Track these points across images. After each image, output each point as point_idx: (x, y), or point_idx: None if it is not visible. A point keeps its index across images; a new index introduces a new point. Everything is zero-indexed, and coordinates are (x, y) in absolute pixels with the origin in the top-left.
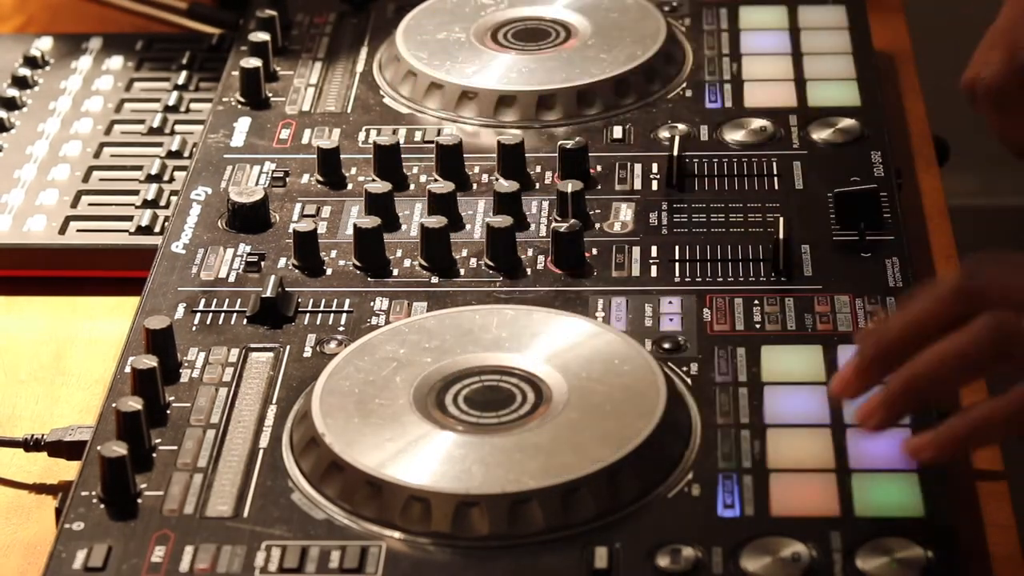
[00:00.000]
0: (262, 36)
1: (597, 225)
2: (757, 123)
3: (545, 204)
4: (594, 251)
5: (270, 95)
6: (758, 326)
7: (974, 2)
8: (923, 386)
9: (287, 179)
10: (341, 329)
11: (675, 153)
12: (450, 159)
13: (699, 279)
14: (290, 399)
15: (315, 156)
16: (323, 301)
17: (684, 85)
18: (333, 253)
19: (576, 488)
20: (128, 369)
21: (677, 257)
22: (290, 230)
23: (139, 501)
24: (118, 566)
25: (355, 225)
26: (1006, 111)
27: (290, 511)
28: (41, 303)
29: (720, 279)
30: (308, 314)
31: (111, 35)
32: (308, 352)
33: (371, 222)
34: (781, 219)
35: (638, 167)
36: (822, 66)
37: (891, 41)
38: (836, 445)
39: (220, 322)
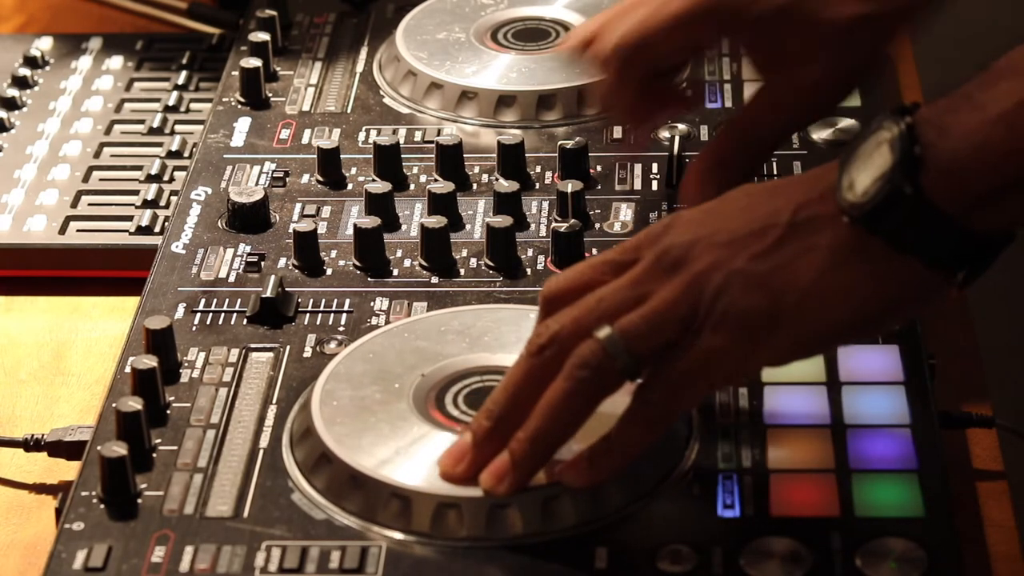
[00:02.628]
0: (262, 36)
1: (597, 225)
2: None
3: (545, 204)
4: (594, 251)
5: (270, 95)
6: None
7: (975, 2)
8: (547, 440)
9: (287, 179)
10: (341, 329)
11: (675, 153)
12: (450, 159)
13: None
14: (290, 399)
15: (315, 156)
16: (323, 301)
17: (684, 85)
18: (333, 253)
19: (577, 489)
20: (128, 369)
21: None
22: (290, 230)
23: (139, 501)
24: (118, 566)
25: (355, 225)
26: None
27: (290, 511)
28: (41, 303)
29: None
30: (308, 314)
31: (111, 35)
32: (308, 352)
33: (371, 222)
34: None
35: (638, 167)
36: None
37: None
38: (836, 445)
39: (220, 322)
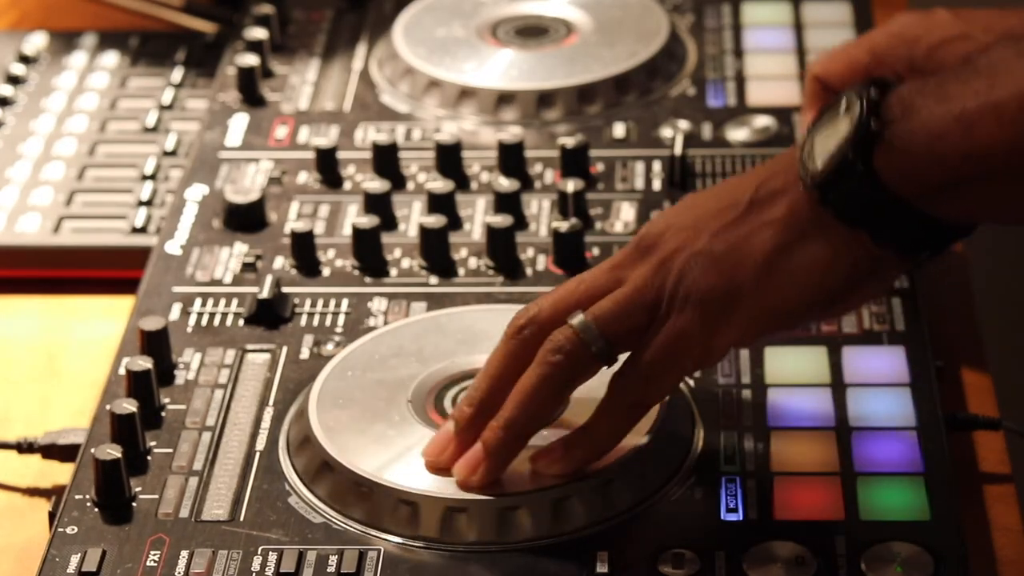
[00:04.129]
0: (259, 33)
1: (598, 224)
2: (760, 121)
3: (546, 203)
4: (595, 251)
5: (267, 93)
6: None
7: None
8: (520, 427)
9: (284, 178)
10: (339, 330)
11: (677, 152)
12: (449, 158)
13: None
14: (287, 401)
15: (312, 155)
16: (320, 302)
17: (687, 82)
18: (331, 253)
19: (577, 492)
20: (123, 371)
21: None
22: (287, 230)
23: (134, 504)
24: (112, 570)
25: (353, 225)
26: None
27: (287, 515)
28: (35, 304)
29: None
30: (305, 315)
31: (106, 32)
32: (305, 353)
33: (369, 222)
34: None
35: (640, 166)
36: None
37: None
38: (840, 448)
39: (216, 323)
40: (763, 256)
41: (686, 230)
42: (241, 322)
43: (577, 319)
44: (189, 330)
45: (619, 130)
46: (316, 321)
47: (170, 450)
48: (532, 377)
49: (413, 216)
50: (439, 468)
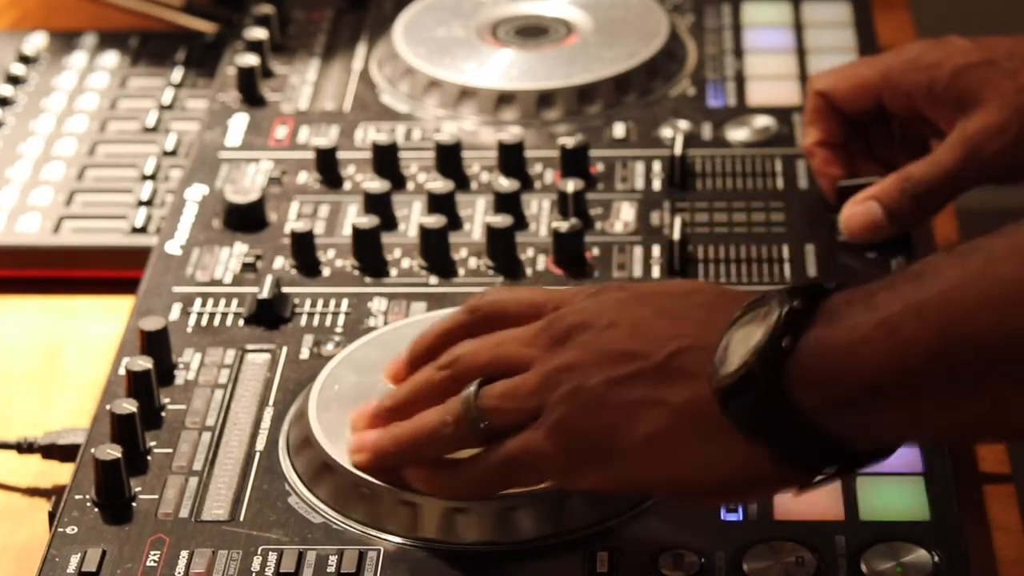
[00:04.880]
0: (259, 33)
1: (598, 225)
2: (760, 121)
3: (545, 203)
4: (595, 251)
5: (267, 93)
6: None
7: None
8: (404, 451)
9: (284, 178)
10: (339, 330)
11: (677, 152)
12: (449, 158)
13: (701, 279)
14: (287, 401)
15: (312, 155)
16: (320, 302)
17: (687, 83)
18: (331, 253)
19: (577, 492)
20: (123, 371)
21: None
22: (287, 230)
23: (134, 504)
24: (112, 570)
25: (353, 225)
26: None
27: (287, 515)
28: (35, 304)
29: (723, 279)
30: (305, 315)
31: (106, 32)
32: (305, 354)
33: (369, 222)
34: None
35: (640, 166)
36: (826, 63)
37: (896, 38)
38: None
39: (216, 323)
40: (645, 434)
41: (591, 350)
42: (241, 322)
43: (472, 397)
44: (189, 330)
45: (619, 130)
46: (316, 321)
47: (170, 450)
48: (427, 422)
49: (413, 216)
50: (352, 432)
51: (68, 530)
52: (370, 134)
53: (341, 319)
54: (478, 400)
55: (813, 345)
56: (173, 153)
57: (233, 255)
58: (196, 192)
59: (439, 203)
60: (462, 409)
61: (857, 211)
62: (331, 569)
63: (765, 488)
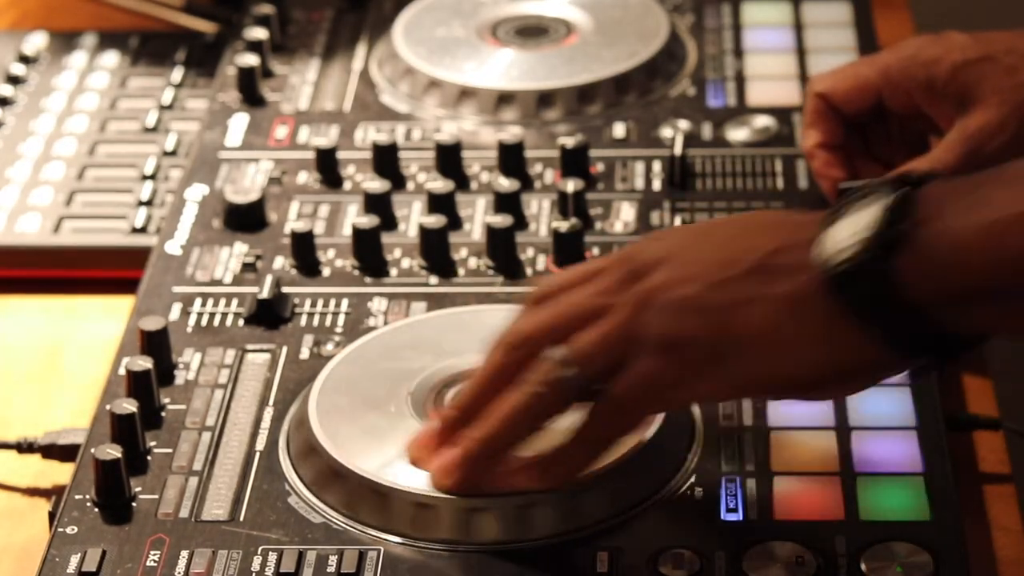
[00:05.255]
0: (259, 33)
1: (598, 224)
2: (760, 121)
3: (545, 203)
4: (595, 251)
5: (267, 93)
6: None
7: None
8: (497, 444)
9: (284, 178)
10: (339, 330)
11: (677, 152)
12: (449, 158)
13: None
14: (287, 401)
15: (312, 155)
16: (320, 302)
17: (687, 83)
18: (331, 253)
19: (577, 492)
20: (123, 371)
21: None
22: (287, 230)
23: (134, 504)
24: (112, 570)
25: (353, 225)
26: None
27: (287, 515)
28: (35, 304)
29: None
30: (305, 315)
31: (106, 32)
32: (305, 354)
33: (369, 222)
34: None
35: (640, 166)
36: (826, 63)
37: (896, 37)
38: (841, 448)
39: (216, 323)
40: (757, 328)
41: (681, 266)
42: (241, 322)
43: (560, 353)
44: (189, 330)
45: (619, 130)
46: (316, 321)
47: (170, 450)
48: (514, 401)
49: (413, 216)
50: (420, 462)
51: (68, 530)
52: (370, 134)
53: (341, 319)
54: (566, 355)
55: (920, 241)
56: (173, 153)
57: (233, 255)
58: (196, 192)
59: (439, 203)
60: (551, 369)
61: None
62: (331, 569)
63: (872, 374)
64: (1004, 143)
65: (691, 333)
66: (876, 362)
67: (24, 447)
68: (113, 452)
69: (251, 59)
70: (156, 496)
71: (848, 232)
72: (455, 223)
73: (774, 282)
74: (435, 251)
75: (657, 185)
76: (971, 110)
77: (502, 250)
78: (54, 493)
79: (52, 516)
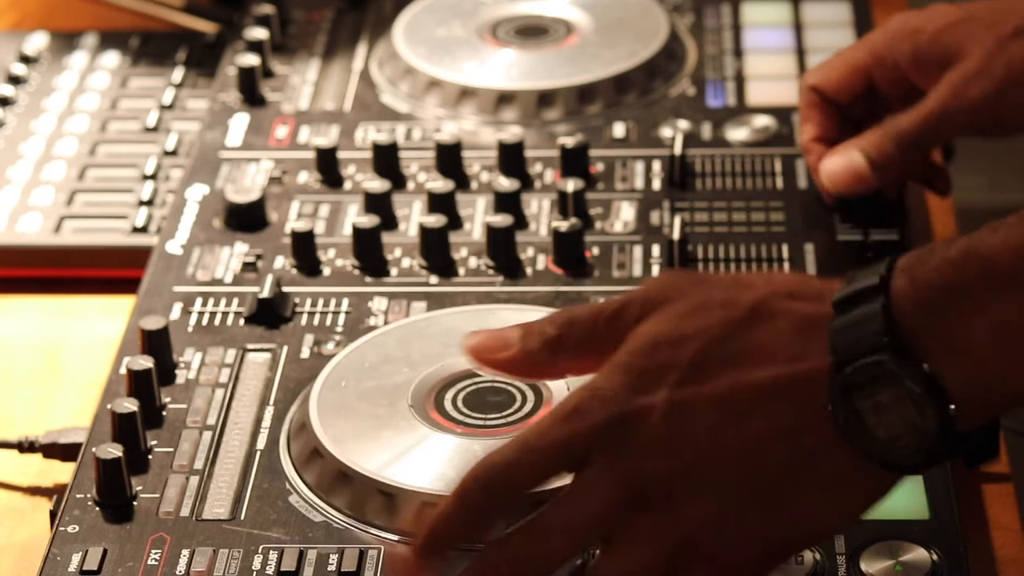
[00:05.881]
0: (259, 33)
1: (598, 224)
2: (760, 121)
3: (545, 203)
4: (595, 251)
5: (267, 92)
6: None
7: None
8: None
9: (284, 178)
10: (339, 329)
11: (677, 151)
12: (449, 157)
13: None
14: (287, 400)
15: (313, 154)
16: (321, 301)
17: (686, 82)
18: (331, 252)
19: None
20: (123, 370)
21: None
22: (287, 229)
23: (135, 503)
24: (114, 569)
25: (353, 224)
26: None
27: (287, 514)
28: (36, 303)
29: None
30: (306, 314)
31: (106, 32)
32: (306, 353)
33: (369, 221)
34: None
35: (639, 165)
36: None
37: None
38: None
39: (216, 323)
40: (810, 524)
41: (707, 488)
42: (242, 321)
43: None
44: (190, 329)
45: (619, 130)
46: (316, 320)
47: (171, 449)
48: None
49: (413, 216)
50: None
51: (69, 529)
52: (370, 134)
53: (341, 318)
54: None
55: (956, 375)
56: (174, 153)
57: (234, 255)
58: (197, 192)
59: (439, 203)
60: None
61: (838, 162)
62: (332, 568)
63: (881, 492)
64: (987, 90)
65: (745, 555)
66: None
67: (25, 446)
68: (114, 451)
69: (252, 59)
70: (157, 495)
71: (890, 421)
72: (455, 223)
73: (808, 472)
74: (435, 251)
75: (657, 185)
76: (955, 64)
77: (502, 250)
78: (55, 492)
79: (53, 515)
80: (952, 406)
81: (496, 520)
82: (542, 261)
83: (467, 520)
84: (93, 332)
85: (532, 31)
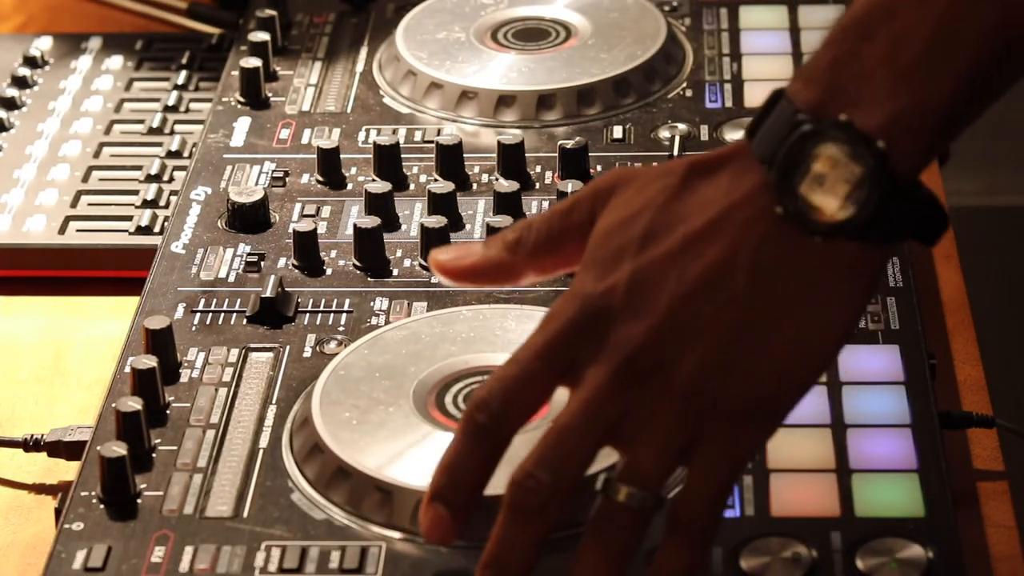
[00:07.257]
0: (262, 36)
1: None
2: None
3: (545, 204)
4: None
5: (270, 95)
6: None
7: None
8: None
9: (287, 179)
10: (341, 329)
11: (675, 153)
12: (450, 159)
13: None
14: (290, 399)
15: (315, 156)
16: (323, 301)
17: (684, 85)
18: (333, 253)
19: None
20: (128, 369)
21: None
22: (290, 230)
23: (139, 501)
24: (118, 566)
25: (355, 225)
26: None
27: (290, 511)
28: (40, 303)
29: None
30: (308, 314)
31: (111, 35)
32: (308, 352)
33: (371, 222)
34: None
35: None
36: None
37: None
38: (836, 445)
39: (220, 322)
40: (796, 330)
41: (692, 333)
42: (245, 321)
43: (623, 493)
44: (193, 329)
45: (618, 132)
46: (319, 320)
47: (175, 447)
48: (602, 558)
49: (414, 216)
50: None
51: (74, 526)
52: (372, 135)
53: (343, 318)
54: (632, 489)
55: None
56: (177, 154)
57: (237, 255)
58: (200, 193)
59: (440, 203)
60: (628, 515)
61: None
62: (334, 565)
63: (863, 284)
64: None
65: (758, 393)
66: (884, 264)
67: (30, 444)
68: (118, 449)
69: (254, 62)
70: (161, 493)
71: (831, 188)
72: (456, 223)
73: (773, 277)
74: None
75: None
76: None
77: None
78: (60, 490)
79: (58, 513)
80: (880, 143)
81: (502, 442)
82: None
83: (476, 450)
84: (97, 332)
85: (532, 34)
